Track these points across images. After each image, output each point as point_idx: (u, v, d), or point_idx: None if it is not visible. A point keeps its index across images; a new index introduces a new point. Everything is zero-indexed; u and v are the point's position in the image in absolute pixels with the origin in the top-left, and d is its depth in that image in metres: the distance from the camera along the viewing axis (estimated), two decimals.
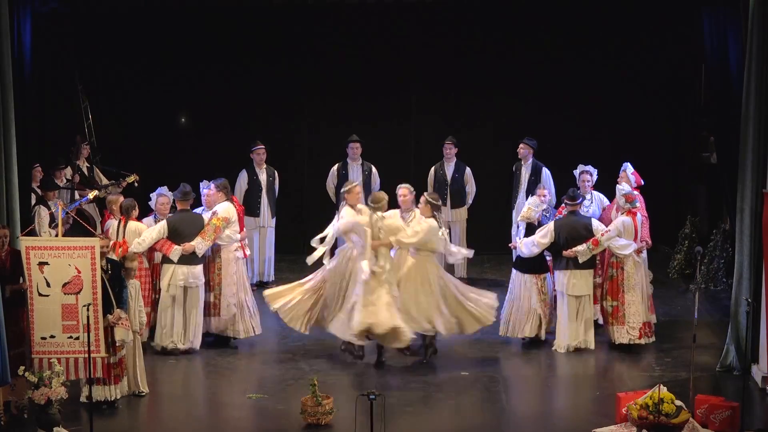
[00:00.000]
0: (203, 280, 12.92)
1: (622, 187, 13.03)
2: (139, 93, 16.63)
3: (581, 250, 12.74)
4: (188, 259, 12.75)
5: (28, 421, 10.97)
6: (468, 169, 15.55)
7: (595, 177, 13.67)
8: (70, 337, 11.10)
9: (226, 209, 12.96)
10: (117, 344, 11.25)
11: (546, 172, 15.08)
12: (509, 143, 15.67)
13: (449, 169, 15.55)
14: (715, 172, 13.62)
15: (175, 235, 12.76)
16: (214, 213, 12.96)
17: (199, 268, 12.85)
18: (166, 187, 13.31)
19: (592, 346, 12.94)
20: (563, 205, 13.25)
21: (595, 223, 12.89)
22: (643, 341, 12.84)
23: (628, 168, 13.41)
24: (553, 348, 12.97)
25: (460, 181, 15.53)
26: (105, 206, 13.55)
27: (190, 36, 16.37)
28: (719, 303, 14.42)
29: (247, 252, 13.41)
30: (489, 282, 15.43)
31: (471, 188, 15.61)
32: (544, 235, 12.85)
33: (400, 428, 10.75)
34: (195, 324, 12.91)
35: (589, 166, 13.71)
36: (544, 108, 16.45)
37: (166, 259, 12.80)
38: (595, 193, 13.70)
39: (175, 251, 12.70)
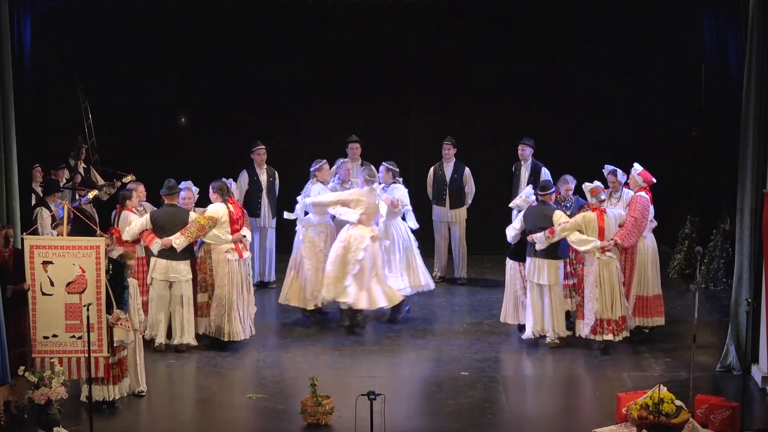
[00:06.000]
0: (189, 278, 12.92)
1: (589, 183, 12.94)
2: (139, 93, 16.63)
3: (538, 236, 12.78)
4: (169, 253, 12.80)
5: (28, 421, 10.97)
6: (467, 170, 15.55)
7: (620, 177, 13.41)
8: (73, 336, 11.11)
9: (216, 209, 12.98)
10: (115, 345, 11.26)
11: (545, 172, 15.11)
12: (509, 143, 15.70)
13: (448, 169, 15.57)
14: (715, 171, 13.59)
15: (158, 228, 12.86)
16: (202, 212, 13.04)
17: (182, 264, 12.85)
18: (190, 181, 13.32)
19: (560, 335, 12.91)
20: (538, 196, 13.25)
21: (558, 214, 12.82)
22: (597, 337, 12.68)
23: (634, 168, 13.17)
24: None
25: (459, 181, 15.54)
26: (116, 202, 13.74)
27: (190, 36, 16.38)
28: (719, 303, 14.42)
29: (245, 254, 13.21)
30: (489, 282, 15.46)
31: (470, 188, 15.61)
32: (518, 221, 13.01)
33: (400, 428, 10.76)
34: (181, 321, 12.92)
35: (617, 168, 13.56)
36: (543, 108, 16.46)
37: (152, 253, 12.90)
38: (626, 191, 13.40)
39: (156, 244, 12.79)
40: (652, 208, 13.03)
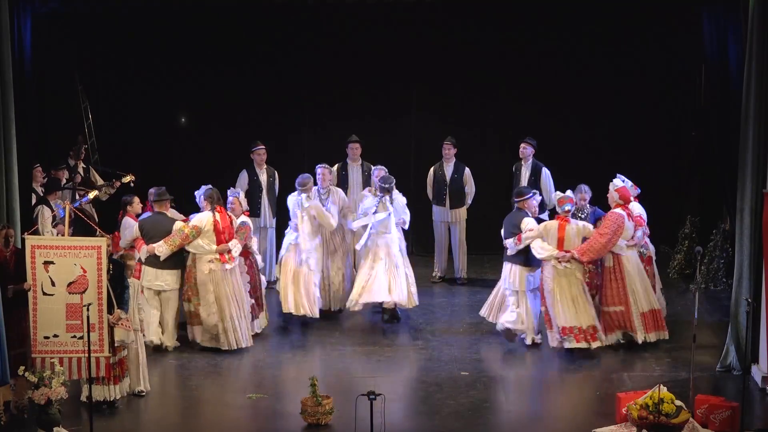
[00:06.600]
0: (175, 287, 12.96)
1: (560, 192, 13.04)
2: (139, 93, 16.63)
3: (509, 242, 12.93)
4: (156, 262, 12.84)
5: (28, 421, 10.98)
6: (467, 170, 15.55)
7: (627, 184, 13.18)
8: (74, 336, 11.12)
9: (200, 218, 12.95)
10: (116, 345, 11.27)
11: (546, 172, 15.11)
12: (509, 143, 15.70)
13: (448, 169, 15.57)
14: (715, 171, 13.60)
15: (144, 236, 12.94)
16: (186, 221, 13.08)
17: (167, 273, 12.87)
18: (210, 185, 13.34)
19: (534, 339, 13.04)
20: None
21: (525, 221, 12.87)
22: (556, 343, 12.70)
23: (612, 183, 12.98)
24: None
25: (459, 181, 15.54)
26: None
27: (190, 36, 16.37)
28: (719, 303, 14.41)
29: (229, 265, 12.90)
30: (489, 282, 15.42)
31: (470, 189, 15.61)
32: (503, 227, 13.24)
33: (400, 428, 10.76)
34: (171, 327, 12.99)
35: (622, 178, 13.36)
36: (544, 108, 16.45)
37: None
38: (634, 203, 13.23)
39: (143, 251, 12.87)
40: (630, 223, 12.78)
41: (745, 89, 11.82)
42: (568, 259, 12.59)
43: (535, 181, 14.89)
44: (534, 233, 12.75)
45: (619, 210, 12.81)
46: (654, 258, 13.47)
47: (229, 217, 13.18)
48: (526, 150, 15.24)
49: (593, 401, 11.63)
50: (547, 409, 11.66)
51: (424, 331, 13.79)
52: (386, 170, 14.15)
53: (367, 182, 15.24)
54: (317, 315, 13.75)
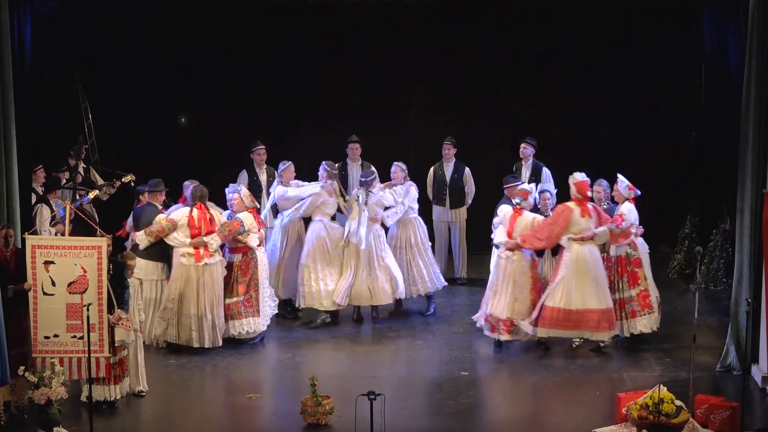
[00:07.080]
0: (154, 278, 13.03)
1: (526, 185, 13.49)
2: (139, 93, 16.62)
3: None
4: (140, 252, 12.94)
5: (28, 421, 10.98)
6: (467, 170, 15.55)
7: (623, 184, 13.16)
8: (74, 336, 11.11)
9: (177, 212, 13.11)
10: (116, 345, 11.27)
11: (546, 172, 15.11)
12: (509, 143, 15.69)
13: (448, 169, 15.57)
14: (715, 171, 13.59)
15: (135, 224, 13.20)
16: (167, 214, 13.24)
17: (144, 263, 12.89)
18: (236, 184, 13.65)
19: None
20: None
21: (501, 208, 13.27)
22: (493, 334, 13.00)
23: (571, 177, 12.97)
24: None
25: (459, 181, 15.54)
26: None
27: (190, 36, 16.37)
28: (719, 303, 14.42)
29: (205, 259, 12.86)
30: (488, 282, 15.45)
31: (470, 188, 15.62)
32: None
33: (400, 428, 10.76)
34: (149, 319, 13.04)
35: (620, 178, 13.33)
36: (544, 108, 16.45)
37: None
38: (625, 204, 13.09)
39: (131, 239, 13.19)
40: (585, 219, 12.66)
41: (745, 89, 11.82)
42: (513, 246, 12.87)
43: (536, 181, 14.88)
44: (497, 220, 13.24)
45: (570, 203, 12.84)
46: (644, 260, 13.15)
47: (210, 214, 13.15)
48: (527, 150, 15.25)
49: (593, 401, 11.63)
50: (547, 409, 11.66)
51: (424, 331, 13.80)
52: (403, 167, 14.30)
53: None
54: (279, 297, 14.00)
